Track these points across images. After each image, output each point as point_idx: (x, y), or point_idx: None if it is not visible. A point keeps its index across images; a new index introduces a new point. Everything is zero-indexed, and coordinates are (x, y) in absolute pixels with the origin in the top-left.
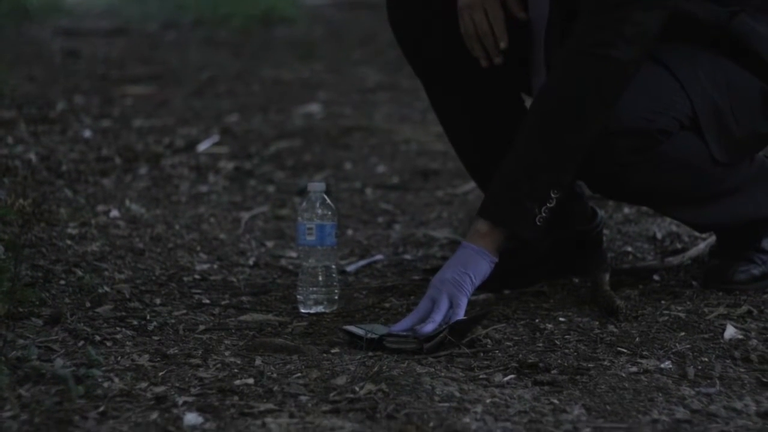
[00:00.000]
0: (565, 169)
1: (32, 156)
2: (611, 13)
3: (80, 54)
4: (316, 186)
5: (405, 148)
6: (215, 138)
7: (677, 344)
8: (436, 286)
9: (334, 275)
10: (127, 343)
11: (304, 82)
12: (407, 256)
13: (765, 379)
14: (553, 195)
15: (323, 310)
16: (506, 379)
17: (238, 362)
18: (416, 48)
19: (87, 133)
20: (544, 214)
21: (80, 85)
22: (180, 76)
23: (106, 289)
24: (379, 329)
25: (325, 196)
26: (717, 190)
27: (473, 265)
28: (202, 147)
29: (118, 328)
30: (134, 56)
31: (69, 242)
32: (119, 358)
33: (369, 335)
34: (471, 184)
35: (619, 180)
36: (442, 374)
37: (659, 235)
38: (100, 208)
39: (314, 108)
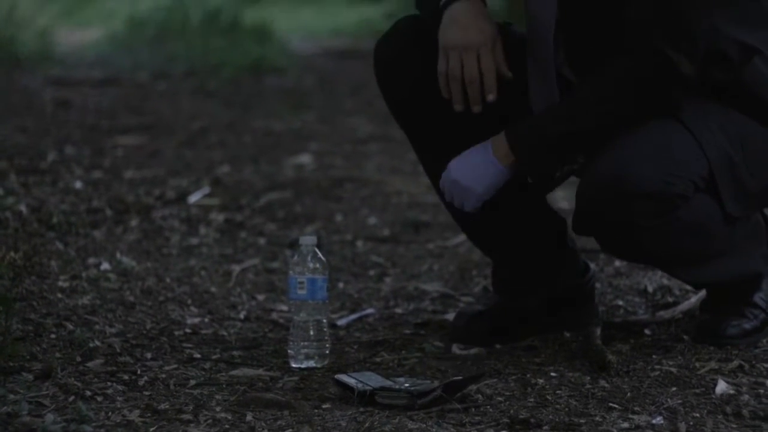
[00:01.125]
0: (600, 142)
1: (23, 208)
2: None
3: (71, 104)
4: (308, 240)
5: (396, 199)
6: (206, 190)
7: (669, 399)
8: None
9: (325, 329)
10: (118, 398)
11: (295, 132)
12: (398, 310)
13: None
14: (579, 160)
15: (314, 365)
16: None
17: (229, 418)
18: (406, 112)
19: (78, 185)
20: (561, 171)
21: (71, 135)
22: (171, 127)
23: (97, 343)
24: (371, 378)
25: (317, 250)
26: (721, 249)
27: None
28: (193, 199)
29: (108, 383)
30: (125, 106)
31: (60, 295)
32: (110, 413)
33: (361, 387)
34: (462, 237)
35: (632, 242)
36: (433, 430)
37: (650, 289)
38: (91, 260)
39: (305, 159)
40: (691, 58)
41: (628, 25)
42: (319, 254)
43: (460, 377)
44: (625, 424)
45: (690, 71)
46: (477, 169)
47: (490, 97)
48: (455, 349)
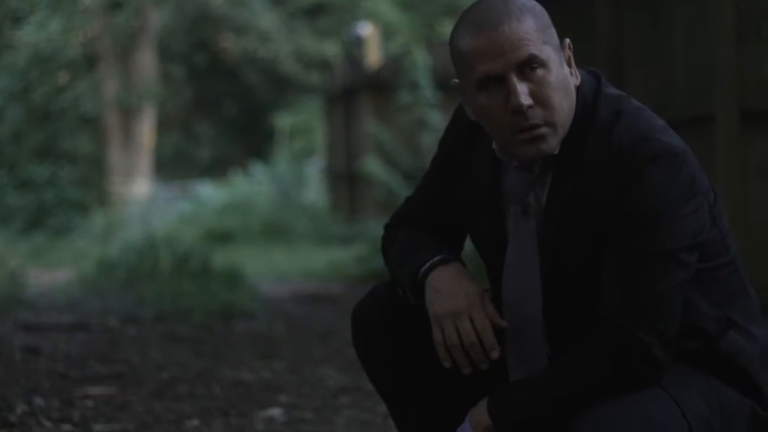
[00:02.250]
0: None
1: None
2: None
3: (41, 350)
4: None
5: None
6: None
7: None
8: None
9: None
10: None
11: (265, 383)
12: None
13: None
14: None
15: None
16: None
17: None
18: (388, 383)
19: None
20: None
21: (40, 385)
22: (141, 376)
23: None
24: None
25: None
26: None
27: None
28: None
29: None
30: (95, 353)
31: None
32: None
33: None
34: None
35: None
36: None
37: None
38: None
39: (275, 412)
40: (665, 340)
41: (602, 306)
42: None
43: None
44: None
45: (662, 354)
46: None
47: (494, 354)
48: None
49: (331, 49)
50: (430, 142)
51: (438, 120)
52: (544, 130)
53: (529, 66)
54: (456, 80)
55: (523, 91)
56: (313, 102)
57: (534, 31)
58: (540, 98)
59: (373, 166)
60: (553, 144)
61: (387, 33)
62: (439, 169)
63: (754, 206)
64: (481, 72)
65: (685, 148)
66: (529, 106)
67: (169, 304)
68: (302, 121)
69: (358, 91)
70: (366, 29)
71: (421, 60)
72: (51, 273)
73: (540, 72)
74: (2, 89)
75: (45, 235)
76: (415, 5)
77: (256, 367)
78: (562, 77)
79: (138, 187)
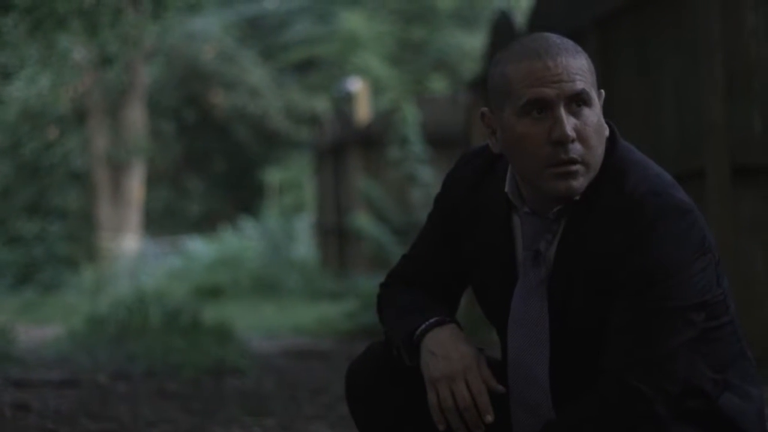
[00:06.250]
0: None
1: None
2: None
3: (30, 407)
4: None
5: None
6: None
7: None
8: None
9: None
10: None
11: None
12: None
13: None
14: None
15: None
16: None
17: None
18: None
19: None
20: None
21: None
22: None
23: None
24: None
25: None
26: None
27: None
28: None
29: None
30: (85, 410)
31: None
32: None
33: None
34: None
35: None
36: None
37: None
38: None
39: None
40: (668, 398)
41: (607, 359)
42: None
43: None
44: None
45: (665, 412)
46: None
47: (488, 419)
48: None
49: (320, 104)
50: (419, 198)
51: (428, 175)
52: (579, 167)
53: (578, 101)
54: (485, 109)
55: (569, 123)
56: (302, 157)
57: (587, 70)
58: (582, 136)
59: (362, 221)
60: (583, 184)
61: (376, 88)
62: (436, 227)
63: (745, 262)
64: (530, 95)
65: (694, 205)
66: (572, 140)
67: (159, 360)
68: (292, 177)
69: (347, 147)
70: (355, 84)
71: (410, 115)
72: (40, 329)
73: (585, 110)
74: None
75: (34, 290)
76: (404, 61)
77: (246, 424)
78: (601, 122)
79: (127, 243)
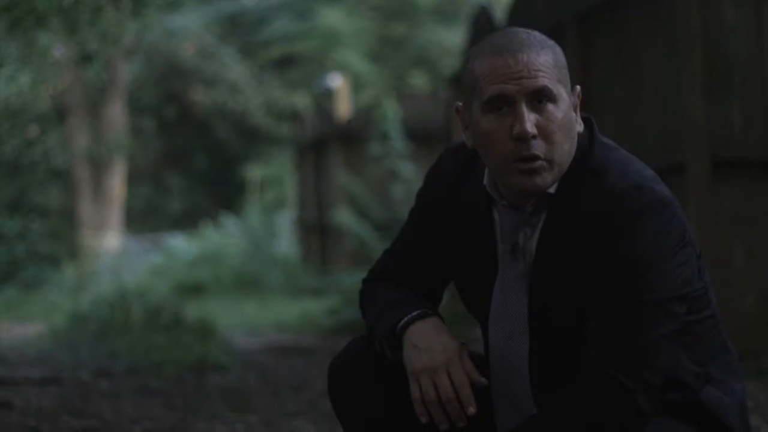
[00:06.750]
0: None
1: None
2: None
3: (12, 405)
4: None
5: None
6: None
7: None
8: None
9: None
10: None
11: None
12: None
13: None
14: None
15: None
16: None
17: None
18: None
19: None
20: None
21: None
22: (114, 430)
23: None
24: None
25: None
26: None
27: None
28: None
29: None
30: (67, 407)
31: None
32: None
33: None
34: None
35: None
36: None
37: None
38: None
39: None
40: (650, 389)
41: (588, 352)
42: None
43: None
44: None
45: (646, 403)
46: None
47: (471, 411)
48: None
49: (301, 100)
50: (401, 194)
51: (409, 171)
52: (541, 164)
53: (540, 97)
54: (459, 103)
55: (530, 119)
56: (283, 153)
57: (551, 66)
58: (544, 132)
59: (344, 217)
60: (548, 181)
61: (357, 84)
62: (418, 222)
63: (726, 256)
64: (492, 92)
65: (674, 198)
66: (533, 136)
67: (142, 357)
68: (273, 173)
69: (328, 143)
70: (336, 81)
71: (391, 111)
72: (22, 326)
73: (549, 106)
74: None
75: (16, 288)
76: (384, 57)
77: (229, 420)
78: (569, 118)
79: (109, 240)
